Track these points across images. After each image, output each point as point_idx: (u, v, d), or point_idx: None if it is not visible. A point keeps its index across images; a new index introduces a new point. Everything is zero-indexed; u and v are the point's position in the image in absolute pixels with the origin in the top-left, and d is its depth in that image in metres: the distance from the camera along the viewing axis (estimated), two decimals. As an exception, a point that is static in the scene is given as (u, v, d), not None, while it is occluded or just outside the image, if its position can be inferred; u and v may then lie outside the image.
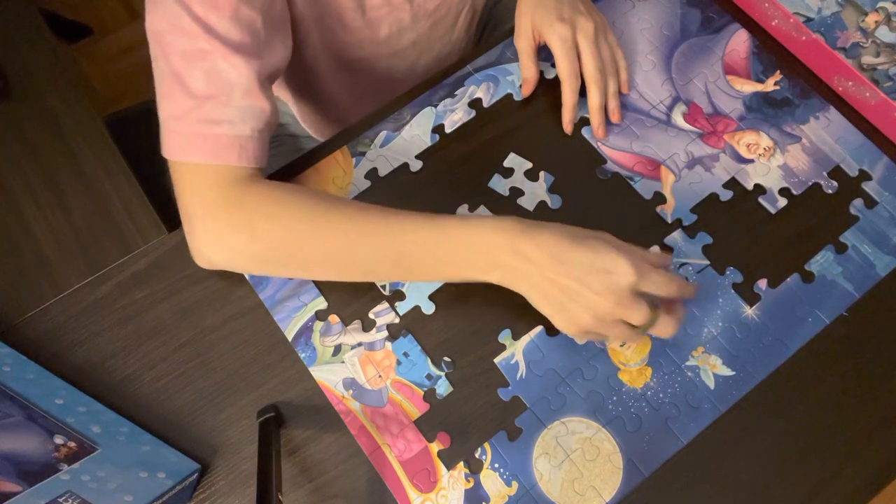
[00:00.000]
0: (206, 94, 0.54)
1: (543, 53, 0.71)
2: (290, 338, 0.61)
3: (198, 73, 0.54)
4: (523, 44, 0.69)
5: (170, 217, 0.68)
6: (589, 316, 0.52)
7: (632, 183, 0.67)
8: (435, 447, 0.58)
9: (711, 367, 0.60)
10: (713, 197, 0.66)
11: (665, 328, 0.54)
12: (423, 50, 0.80)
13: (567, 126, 0.68)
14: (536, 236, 0.53)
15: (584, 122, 0.69)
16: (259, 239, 0.56)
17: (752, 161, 0.68)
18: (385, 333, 0.61)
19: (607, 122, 0.69)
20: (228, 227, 0.56)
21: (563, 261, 0.52)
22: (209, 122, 0.55)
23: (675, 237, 0.64)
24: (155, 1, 0.54)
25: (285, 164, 0.69)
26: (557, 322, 0.55)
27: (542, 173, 0.67)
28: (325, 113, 0.86)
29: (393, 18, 0.72)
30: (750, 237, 0.65)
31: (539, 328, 0.61)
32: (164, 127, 0.57)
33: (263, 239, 0.56)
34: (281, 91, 0.84)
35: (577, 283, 0.52)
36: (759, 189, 0.66)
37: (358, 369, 0.60)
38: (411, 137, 0.69)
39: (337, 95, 0.81)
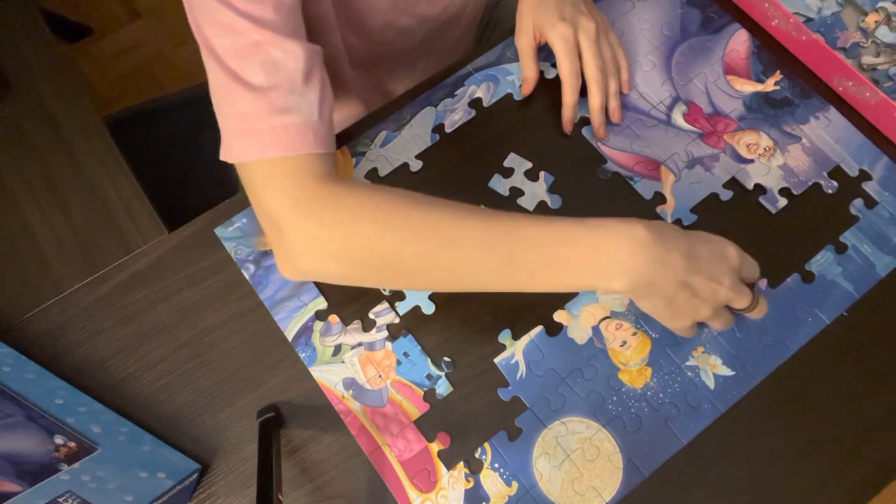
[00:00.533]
0: (269, 86, 0.52)
1: (543, 53, 0.71)
2: (290, 338, 0.61)
3: (255, 68, 0.51)
4: (524, 43, 0.69)
5: (170, 217, 0.68)
6: (709, 307, 0.52)
7: (632, 183, 0.67)
8: (435, 447, 0.58)
9: (711, 367, 0.60)
10: (713, 197, 0.66)
11: (763, 308, 0.56)
12: (427, 53, 0.79)
13: (566, 126, 0.68)
14: (667, 239, 0.50)
15: (585, 122, 0.69)
16: (355, 238, 0.51)
17: (752, 161, 0.68)
18: (385, 333, 0.61)
19: (607, 121, 0.69)
20: (321, 224, 0.51)
21: (694, 257, 0.51)
22: (279, 112, 0.52)
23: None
24: (195, 4, 0.52)
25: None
26: (675, 322, 0.54)
27: (542, 173, 0.67)
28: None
29: (400, 22, 0.72)
30: (750, 237, 0.64)
31: (539, 328, 0.61)
32: (228, 131, 0.54)
33: (360, 238, 0.51)
34: None
35: (705, 277, 0.51)
36: (760, 189, 0.66)
37: (358, 369, 0.60)
38: (411, 137, 0.69)
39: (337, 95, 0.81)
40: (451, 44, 0.82)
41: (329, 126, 0.55)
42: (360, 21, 0.69)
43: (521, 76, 0.71)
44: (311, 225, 0.51)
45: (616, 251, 0.49)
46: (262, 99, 0.52)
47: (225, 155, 0.54)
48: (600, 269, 0.50)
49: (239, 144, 0.53)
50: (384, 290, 0.63)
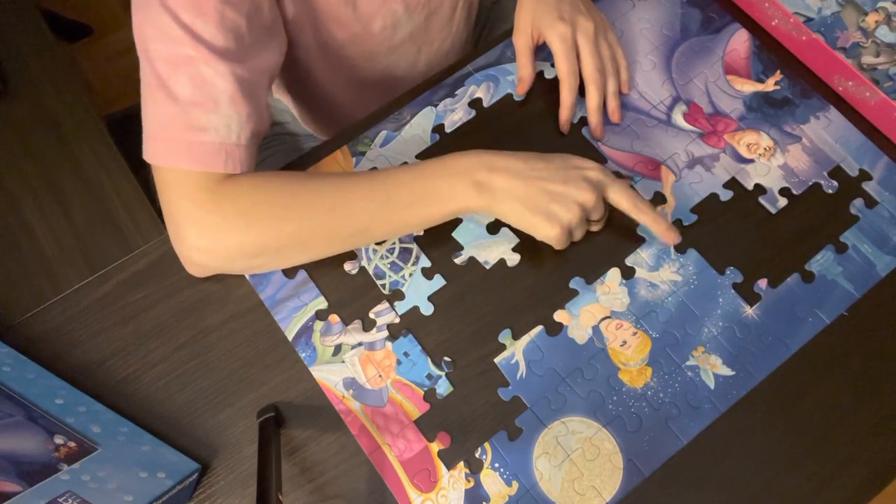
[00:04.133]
0: (192, 101, 0.54)
1: (543, 53, 0.71)
2: (290, 337, 0.61)
3: (183, 80, 0.53)
4: (521, 42, 0.69)
5: (170, 217, 0.68)
6: (572, 214, 0.58)
7: (632, 183, 0.67)
8: (435, 447, 0.58)
9: (711, 367, 0.60)
10: (713, 197, 0.66)
11: (672, 235, 0.61)
12: (421, 43, 0.79)
13: (564, 126, 0.68)
14: (507, 153, 0.59)
15: (584, 121, 0.69)
16: (254, 225, 0.56)
17: (752, 161, 0.68)
18: (385, 333, 0.61)
19: (607, 121, 0.69)
20: (221, 220, 0.56)
21: (543, 159, 0.59)
22: (195, 129, 0.54)
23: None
24: (140, 6, 0.54)
25: (285, 163, 0.69)
26: (541, 228, 0.58)
27: (542, 173, 0.67)
28: (325, 112, 0.86)
29: (386, 11, 0.71)
30: (750, 237, 0.65)
31: (539, 328, 0.61)
32: (148, 132, 0.56)
33: (258, 225, 0.56)
34: (280, 92, 0.84)
35: (559, 179, 0.58)
36: (760, 189, 0.66)
37: (358, 369, 0.60)
38: (411, 137, 0.69)
39: (336, 95, 0.81)
40: (449, 35, 0.82)
41: (248, 151, 0.58)
42: (347, 12, 0.69)
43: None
44: (212, 220, 0.56)
45: (465, 171, 0.58)
46: (182, 112, 0.54)
47: (144, 153, 0.56)
48: (455, 192, 0.57)
49: (154, 147, 0.56)
50: (384, 289, 0.63)
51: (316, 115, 0.87)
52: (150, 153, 0.56)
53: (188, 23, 0.52)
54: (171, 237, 0.59)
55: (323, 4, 0.67)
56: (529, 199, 0.57)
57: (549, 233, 0.58)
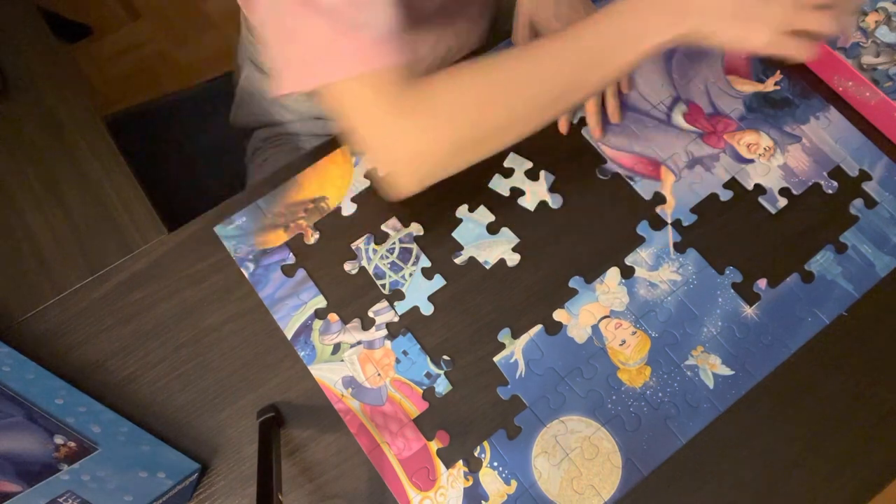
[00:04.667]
0: (339, 4, 0.50)
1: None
2: (289, 336, 0.61)
3: None
4: (519, 41, 0.69)
5: (170, 217, 0.68)
6: (781, 9, 0.50)
7: (632, 183, 0.67)
8: (434, 445, 0.58)
9: (711, 367, 0.60)
10: (713, 197, 0.66)
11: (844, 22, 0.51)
12: (446, 25, 0.76)
13: (562, 126, 0.68)
14: None
15: (584, 121, 0.69)
16: (452, 119, 0.53)
17: (752, 161, 0.68)
18: (384, 332, 0.61)
19: (607, 121, 0.69)
20: (414, 122, 0.52)
21: None
22: (353, 29, 0.51)
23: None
24: None
25: (285, 163, 0.69)
26: (754, 36, 0.51)
27: (542, 173, 0.67)
28: None
29: None
30: (750, 237, 0.65)
31: (538, 327, 0.61)
32: (302, 60, 0.53)
33: (454, 117, 0.53)
34: None
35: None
36: (760, 189, 0.66)
37: (357, 368, 0.60)
38: (411, 137, 0.69)
39: None
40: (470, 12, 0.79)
41: (402, 38, 0.54)
42: None
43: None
44: (405, 124, 0.52)
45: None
46: (334, 19, 0.51)
47: (298, 84, 0.53)
48: (665, 21, 0.51)
49: (317, 68, 0.52)
50: (384, 289, 0.62)
51: None
52: (314, 76, 0.53)
53: None
54: (374, 160, 0.55)
55: None
56: (736, 13, 0.50)
57: (762, 40, 0.51)
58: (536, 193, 0.66)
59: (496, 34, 0.77)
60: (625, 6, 0.52)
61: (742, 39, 0.51)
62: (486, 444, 0.58)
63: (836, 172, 0.67)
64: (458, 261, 0.64)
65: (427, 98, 0.53)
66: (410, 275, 0.63)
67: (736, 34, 0.51)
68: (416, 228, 0.65)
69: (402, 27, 0.54)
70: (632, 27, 0.52)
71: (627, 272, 0.63)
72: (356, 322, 0.62)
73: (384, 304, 0.62)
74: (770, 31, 0.50)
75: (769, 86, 0.71)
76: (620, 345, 0.61)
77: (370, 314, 0.62)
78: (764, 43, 0.51)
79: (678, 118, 0.70)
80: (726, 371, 0.60)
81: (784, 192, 0.66)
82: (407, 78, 0.53)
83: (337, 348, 0.61)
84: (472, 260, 0.64)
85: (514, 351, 0.61)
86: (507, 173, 0.67)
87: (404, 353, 0.61)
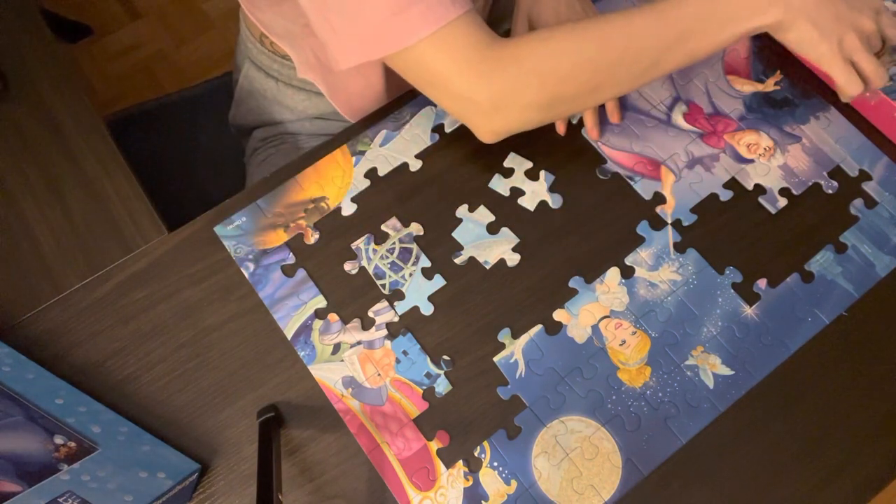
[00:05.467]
0: None
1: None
2: (289, 336, 0.61)
3: None
4: None
5: (170, 217, 0.68)
6: (855, 34, 0.55)
7: (632, 183, 0.67)
8: (434, 445, 0.58)
9: (711, 367, 0.60)
10: (713, 197, 0.66)
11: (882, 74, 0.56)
12: None
13: (560, 127, 0.68)
14: None
15: (584, 122, 0.69)
16: (548, 80, 0.55)
17: (752, 161, 0.68)
18: (384, 332, 0.61)
19: (607, 122, 0.69)
20: (510, 77, 0.54)
21: None
22: None
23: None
24: None
25: (284, 163, 0.69)
26: (824, 49, 0.55)
27: (542, 173, 0.67)
28: (355, 92, 0.83)
29: None
30: (750, 237, 0.65)
31: (538, 327, 0.61)
32: (371, 26, 0.53)
33: (551, 80, 0.55)
34: (309, 70, 0.82)
35: (844, 2, 0.55)
36: (760, 189, 0.66)
37: (357, 367, 0.60)
38: (411, 137, 0.69)
39: (368, 75, 0.78)
40: None
41: None
42: None
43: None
44: (501, 81, 0.54)
45: None
46: None
47: (367, 53, 0.54)
48: (754, 8, 0.55)
49: (390, 35, 0.53)
50: (384, 289, 0.63)
51: (343, 96, 0.85)
52: (389, 42, 0.53)
53: None
54: (460, 114, 0.57)
55: None
56: (817, 20, 0.54)
57: (831, 55, 0.55)
58: (536, 193, 0.66)
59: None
60: None
61: (813, 43, 0.55)
62: (486, 444, 0.58)
63: (836, 172, 0.67)
64: (458, 261, 0.64)
65: (511, 59, 0.54)
66: (410, 275, 0.63)
67: (810, 36, 0.55)
68: (415, 228, 0.65)
69: None
70: (722, 9, 0.55)
71: (627, 272, 0.63)
72: (356, 322, 0.62)
73: (384, 304, 0.62)
74: (836, 47, 0.55)
75: (769, 86, 0.71)
76: (620, 345, 0.61)
77: (370, 314, 0.62)
78: (828, 55, 0.55)
79: (678, 118, 0.70)
80: (726, 371, 0.60)
81: (784, 192, 0.66)
82: (485, 32, 0.54)
83: (337, 348, 0.61)
84: (472, 260, 0.64)
85: (514, 351, 0.61)
86: (507, 173, 0.67)
87: (404, 353, 0.61)
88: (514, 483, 0.57)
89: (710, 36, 0.56)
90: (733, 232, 0.65)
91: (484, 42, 0.54)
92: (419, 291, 0.63)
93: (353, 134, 0.69)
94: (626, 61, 0.56)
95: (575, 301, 0.62)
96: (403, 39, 0.53)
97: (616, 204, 0.66)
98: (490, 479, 0.57)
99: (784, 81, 0.71)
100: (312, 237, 0.65)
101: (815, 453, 0.58)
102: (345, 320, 0.62)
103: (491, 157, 0.68)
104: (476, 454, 0.58)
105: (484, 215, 0.66)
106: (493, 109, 0.56)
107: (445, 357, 0.61)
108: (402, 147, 0.69)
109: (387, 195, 0.67)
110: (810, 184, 0.67)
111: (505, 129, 0.58)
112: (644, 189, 0.67)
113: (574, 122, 0.69)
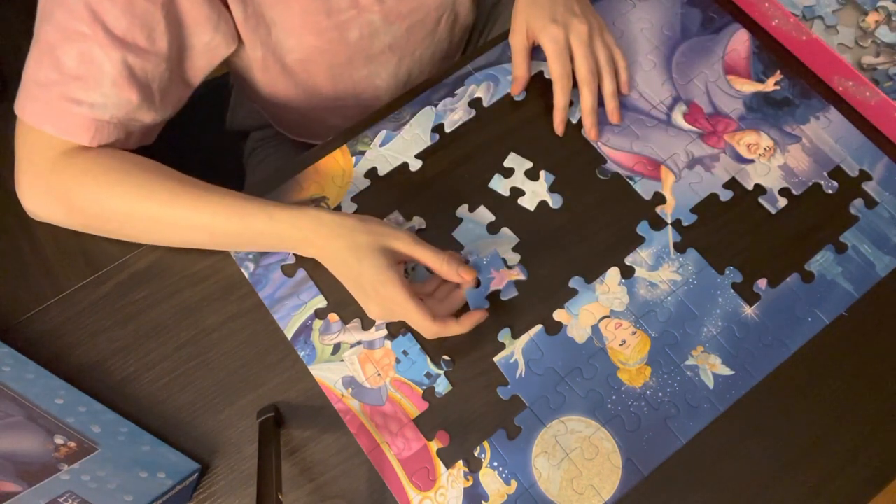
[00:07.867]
0: (75, 75, 0.55)
1: (542, 54, 0.71)
2: (289, 336, 0.61)
3: (72, 53, 0.54)
4: (517, 42, 0.69)
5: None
6: (379, 309, 0.57)
7: (632, 183, 0.67)
8: (434, 445, 0.58)
9: (711, 367, 0.60)
10: (713, 197, 0.66)
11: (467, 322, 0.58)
12: (402, 54, 0.77)
13: (558, 127, 0.68)
14: (323, 245, 0.58)
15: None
16: (75, 212, 0.59)
17: (752, 161, 0.68)
18: (384, 332, 0.61)
19: (607, 122, 0.69)
20: (48, 194, 0.58)
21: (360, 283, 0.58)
22: (71, 100, 0.55)
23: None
24: None
25: (281, 164, 0.69)
26: (366, 305, 0.58)
27: (542, 173, 0.67)
28: (302, 119, 0.84)
29: (362, 20, 0.69)
30: (750, 237, 0.65)
31: (538, 327, 0.61)
32: (26, 88, 0.57)
33: (79, 212, 0.59)
34: (253, 97, 0.82)
35: (356, 286, 0.58)
36: (760, 189, 0.66)
37: (357, 368, 0.60)
38: (411, 137, 0.69)
39: (313, 101, 0.78)
40: (431, 45, 0.79)
41: (117, 131, 0.59)
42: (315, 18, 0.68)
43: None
44: (40, 190, 0.59)
45: (291, 240, 0.59)
46: (62, 82, 0.55)
47: (16, 105, 0.58)
48: (290, 245, 0.60)
49: (29, 106, 0.57)
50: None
51: (290, 122, 0.86)
52: (21, 108, 0.57)
53: (93, 3, 0.53)
54: (16, 182, 0.60)
55: (296, 9, 0.65)
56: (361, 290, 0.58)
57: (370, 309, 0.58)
58: (536, 193, 0.66)
59: (486, 39, 0.77)
60: (282, 214, 0.58)
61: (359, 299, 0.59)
62: (486, 444, 0.58)
63: (836, 172, 0.67)
64: (458, 261, 0.64)
65: (74, 173, 0.58)
66: (411, 273, 0.63)
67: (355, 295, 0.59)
68: (418, 222, 0.65)
69: (126, 126, 0.60)
70: (266, 244, 0.60)
71: (627, 272, 0.63)
72: (356, 322, 0.62)
73: (384, 304, 0.62)
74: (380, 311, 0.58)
75: (769, 86, 0.71)
76: (620, 345, 0.61)
77: (370, 314, 0.62)
78: (375, 315, 0.58)
79: (678, 118, 0.70)
80: (726, 371, 0.60)
81: (784, 192, 0.66)
82: (80, 148, 0.58)
83: (337, 348, 0.61)
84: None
85: (514, 351, 0.61)
86: (507, 173, 0.67)
87: (404, 353, 0.61)
88: (514, 483, 0.57)
89: (247, 244, 0.61)
90: (733, 232, 0.65)
91: (58, 167, 0.58)
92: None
93: (353, 134, 0.69)
94: (159, 228, 0.59)
95: (575, 301, 0.62)
96: (22, 113, 0.57)
97: (616, 204, 0.66)
98: (490, 480, 0.57)
99: (784, 81, 0.71)
100: (312, 237, 0.65)
101: (815, 453, 0.58)
102: (345, 320, 0.62)
103: (491, 157, 0.68)
104: (476, 454, 0.58)
105: (484, 215, 0.66)
106: (28, 201, 0.60)
107: (445, 357, 0.61)
108: (402, 147, 0.69)
109: (386, 195, 0.66)
110: (810, 184, 0.67)
111: (35, 216, 0.62)
112: (644, 189, 0.67)
113: (574, 121, 0.69)
